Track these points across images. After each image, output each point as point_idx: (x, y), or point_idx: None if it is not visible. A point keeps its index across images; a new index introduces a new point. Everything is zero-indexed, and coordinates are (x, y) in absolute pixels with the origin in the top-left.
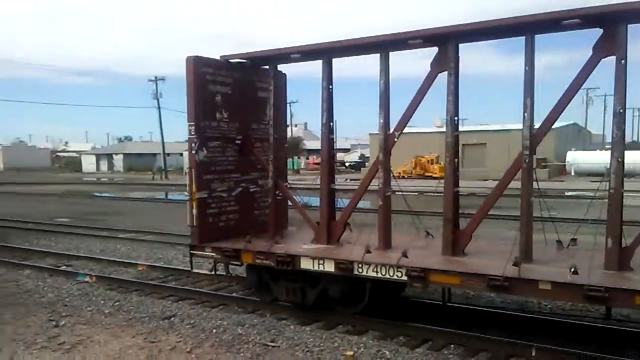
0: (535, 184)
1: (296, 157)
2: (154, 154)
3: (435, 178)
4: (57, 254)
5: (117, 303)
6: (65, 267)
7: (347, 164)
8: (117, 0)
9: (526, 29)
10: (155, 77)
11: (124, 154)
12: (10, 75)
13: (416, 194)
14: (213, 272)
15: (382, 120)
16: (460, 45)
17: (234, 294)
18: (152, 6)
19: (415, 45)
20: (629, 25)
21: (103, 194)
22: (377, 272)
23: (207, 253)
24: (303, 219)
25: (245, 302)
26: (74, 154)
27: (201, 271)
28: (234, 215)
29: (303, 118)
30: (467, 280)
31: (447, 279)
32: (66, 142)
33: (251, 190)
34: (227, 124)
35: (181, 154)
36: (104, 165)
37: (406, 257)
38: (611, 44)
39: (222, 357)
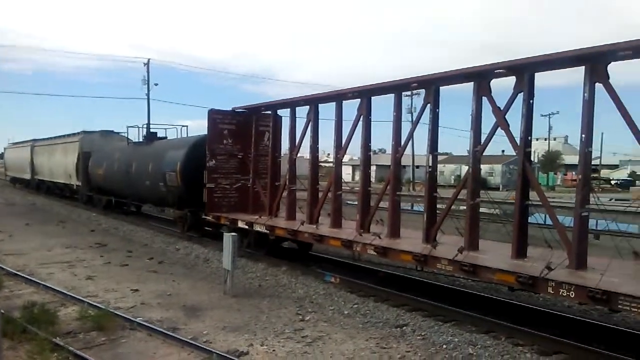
0: None
1: (552, 172)
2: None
3: None
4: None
5: (355, 305)
6: (314, 267)
7: (613, 182)
8: None
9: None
10: None
11: (377, 165)
12: None
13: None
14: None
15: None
16: None
17: (468, 312)
18: None
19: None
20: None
21: None
22: (259, 228)
23: (210, 218)
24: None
25: (480, 321)
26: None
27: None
28: (235, 199)
29: (565, 131)
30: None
31: (282, 233)
32: (328, 154)
33: (248, 185)
34: (232, 146)
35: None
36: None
37: (276, 220)
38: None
39: None
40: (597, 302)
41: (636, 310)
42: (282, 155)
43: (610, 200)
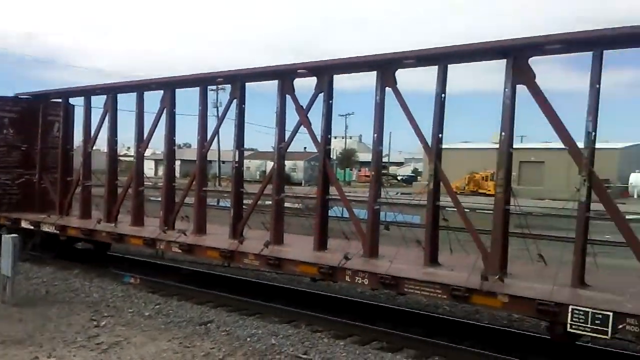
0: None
1: (348, 169)
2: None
3: (489, 195)
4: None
5: (157, 306)
6: (112, 268)
7: (399, 178)
8: None
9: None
10: None
11: (182, 160)
12: None
13: None
14: None
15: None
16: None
17: (271, 304)
18: None
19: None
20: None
21: None
22: (48, 228)
23: None
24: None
25: (282, 312)
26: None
27: None
28: (17, 197)
29: (359, 130)
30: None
31: (75, 233)
32: (128, 148)
33: (33, 180)
34: (13, 136)
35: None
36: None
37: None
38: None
39: None
40: (387, 287)
41: (419, 292)
42: (75, 148)
43: (397, 194)
